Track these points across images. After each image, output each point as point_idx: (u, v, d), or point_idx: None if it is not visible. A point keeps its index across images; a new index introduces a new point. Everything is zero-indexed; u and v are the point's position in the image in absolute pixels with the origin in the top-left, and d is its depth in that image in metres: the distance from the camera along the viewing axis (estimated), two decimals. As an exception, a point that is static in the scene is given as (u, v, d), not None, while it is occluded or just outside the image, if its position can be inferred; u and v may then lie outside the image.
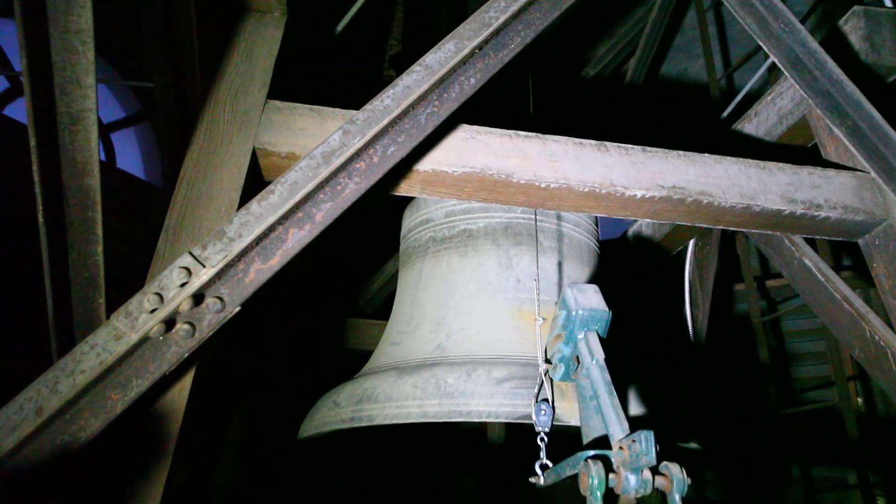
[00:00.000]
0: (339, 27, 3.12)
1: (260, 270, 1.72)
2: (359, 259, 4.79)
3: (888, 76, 2.70)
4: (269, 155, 2.23)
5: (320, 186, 1.80)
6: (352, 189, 1.84)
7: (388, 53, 8.45)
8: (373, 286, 4.87)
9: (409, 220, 3.33)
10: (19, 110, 6.64)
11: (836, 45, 2.76)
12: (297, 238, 1.77)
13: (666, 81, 7.17)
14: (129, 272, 2.63)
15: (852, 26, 2.72)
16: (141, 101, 7.40)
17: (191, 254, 1.66)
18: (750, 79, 4.85)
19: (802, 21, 4.53)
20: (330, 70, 4.38)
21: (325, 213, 1.81)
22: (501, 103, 3.23)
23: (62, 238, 1.73)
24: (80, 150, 1.56)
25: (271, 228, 1.74)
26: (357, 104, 2.04)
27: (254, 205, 1.76)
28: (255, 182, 2.27)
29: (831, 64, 2.33)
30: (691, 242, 3.87)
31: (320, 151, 1.85)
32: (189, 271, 1.64)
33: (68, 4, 1.38)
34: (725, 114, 4.28)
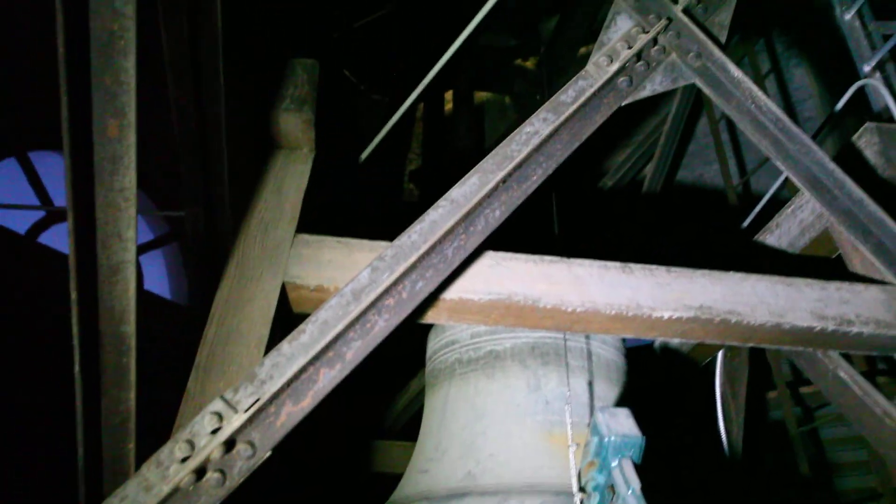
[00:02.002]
0: (363, 156, 3.22)
1: (291, 413, 1.72)
2: (383, 377, 4.75)
3: (907, 189, 2.73)
4: (299, 288, 2.26)
5: (351, 325, 1.82)
6: (381, 326, 1.85)
7: (408, 168, 8.72)
8: (398, 405, 4.80)
9: (435, 341, 3.33)
10: (52, 238, 6.86)
11: (852, 160, 2.80)
12: (328, 378, 1.77)
13: (683, 188, 7.28)
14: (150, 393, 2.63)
15: (866, 141, 2.77)
16: (169, 223, 7.61)
17: (222, 398, 1.66)
18: (767, 182, 4.90)
19: (816, 134, 4.64)
20: (353, 190, 4.51)
21: (355, 351, 1.81)
22: (526, 224, 3.29)
23: (95, 382, 1.74)
24: (118, 299, 1.60)
25: (303, 370, 1.74)
26: (380, 224, 2.08)
27: (285, 345, 1.77)
28: (285, 315, 2.30)
29: (850, 183, 2.36)
30: (720, 354, 3.81)
31: (350, 289, 1.88)
32: (220, 416, 1.63)
33: (114, 165, 1.45)
34: (746, 223, 4.31)
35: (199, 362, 2.03)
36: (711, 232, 4.81)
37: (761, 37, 7.29)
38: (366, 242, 2.35)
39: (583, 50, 8.11)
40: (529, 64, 8.94)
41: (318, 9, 7.80)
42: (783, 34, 7.39)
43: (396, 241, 2.00)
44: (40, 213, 6.98)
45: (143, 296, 6.03)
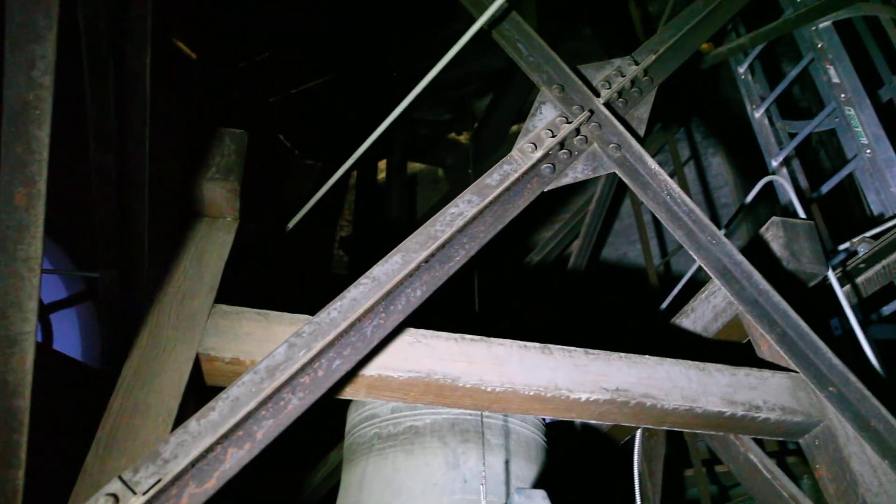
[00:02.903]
0: (290, 225, 3.20)
1: (194, 495, 1.64)
2: (299, 450, 4.62)
3: (809, 281, 2.88)
4: (214, 360, 2.19)
5: (263, 403, 1.77)
6: (295, 405, 1.81)
7: (338, 235, 8.70)
8: (315, 478, 4.66)
9: (354, 414, 3.27)
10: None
11: (760, 251, 2.95)
12: (235, 458, 1.71)
13: (608, 266, 7.48)
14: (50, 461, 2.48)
15: (773, 234, 2.93)
16: (85, 281, 7.33)
17: (121, 478, 1.58)
18: (687, 263, 5.08)
19: (730, 223, 4.87)
20: (281, 258, 4.46)
21: (266, 430, 1.76)
22: (449, 301, 3.31)
23: (-18, 459, 1.63)
24: (13, 372, 1.51)
25: (209, 449, 1.68)
26: (308, 292, 2.06)
27: (192, 423, 1.71)
28: (197, 388, 2.22)
29: (757, 275, 2.48)
30: (638, 432, 3.85)
31: (264, 365, 1.84)
32: (117, 498, 1.55)
33: (20, 234, 1.40)
34: (665, 304, 4.45)
35: (100, 437, 1.93)
36: (633, 312, 4.94)
37: (682, 126, 7.69)
38: (286, 315, 2.31)
39: (514, 127, 8.37)
40: (462, 138, 9.16)
41: (256, 75, 7.86)
42: (702, 124, 7.83)
43: (316, 318, 1.98)
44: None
45: (52, 356, 5.73)
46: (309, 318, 2.06)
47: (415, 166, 9.47)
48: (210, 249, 2.49)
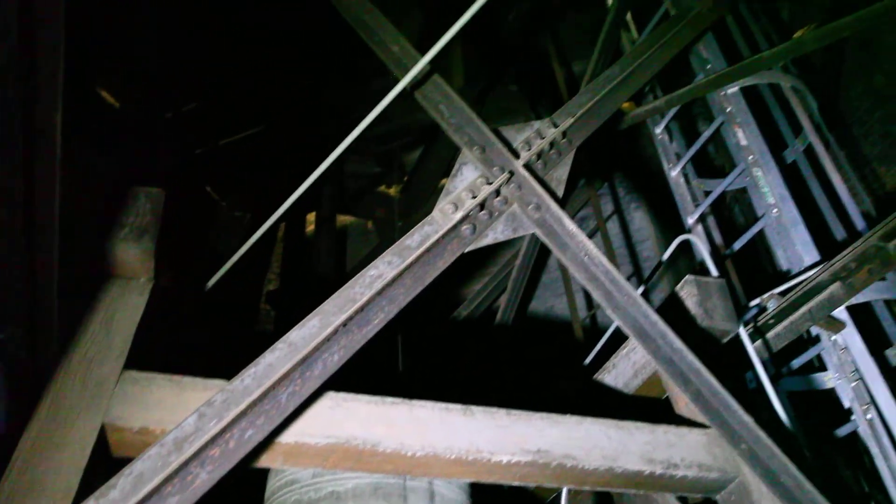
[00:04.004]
0: (210, 283, 3.12)
1: (90, 583, 1.55)
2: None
3: (722, 338, 2.97)
4: (121, 430, 2.09)
5: (169, 478, 1.70)
6: (203, 479, 1.74)
7: (266, 288, 8.54)
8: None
9: (274, 480, 3.16)
10: None
11: (676, 309, 3.03)
12: (136, 540, 1.62)
13: (535, 319, 7.55)
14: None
15: (687, 293, 3.02)
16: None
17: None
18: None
19: (649, 279, 5.00)
20: (200, 315, 4.33)
21: (171, 507, 1.68)
22: (372, 360, 3.27)
23: None
24: None
25: (108, 531, 1.59)
26: (229, 352, 2.00)
27: (90, 502, 1.62)
28: (103, 460, 2.11)
29: (671, 335, 2.54)
30: (564, 490, 3.85)
31: (172, 437, 1.77)
32: (4, 589, 1.44)
33: None
34: (588, 360, 4.51)
35: (-14, 521, 1.80)
36: (559, 366, 4.99)
37: (605, 181, 7.93)
38: (199, 381, 2.23)
39: (443, 181, 8.47)
40: (392, 191, 9.22)
41: (183, 125, 7.75)
42: (625, 180, 8.09)
43: (229, 385, 1.92)
44: None
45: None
46: (223, 385, 2.00)
47: (344, 219, 9.45)
48: (121, 312, 2.39)
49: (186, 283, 3.48)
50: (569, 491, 3.82)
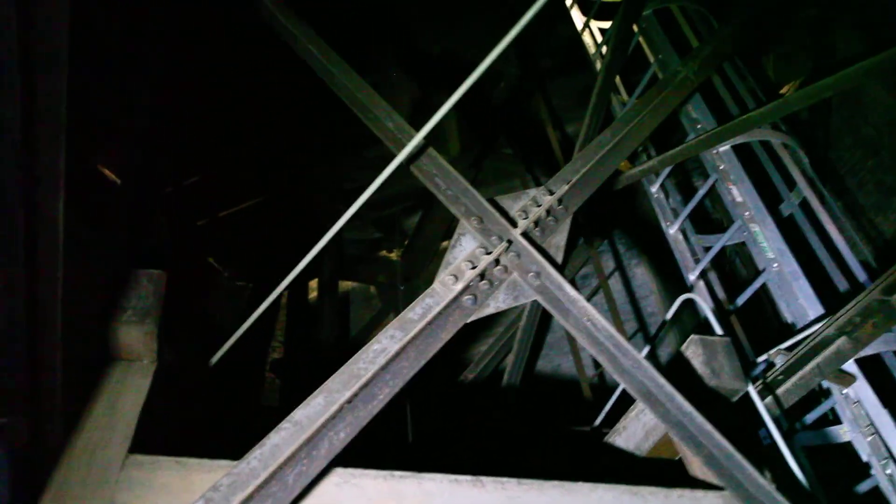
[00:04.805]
0: (214, 359, 3.12)
1: None
2: None
3: (731, 397, 2.93)
4: (126, 517, 2.07)
5: (175, 570, 1.66)
6: (210, 570, 1.70)
7: (270, 357, 8.50)
8: None
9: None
10: None
11: (682, 369, 3.01)
12: None
13: (542, 379, 7.49)
14: None
15: (693, 352, 3.00)
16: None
17: None
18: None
19: (654, 337, 4.98)
20: (204, 389, 4.30)
21: None
22: (378, 431, 3.24)
23: None
24: None
25: None
26: (236, 427, 1.97)
27: None
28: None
29: (679, 397, 2.51)
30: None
31: (178, 526, 1.74)
32: None
33: None
34: (598, 421, 4.46)
35: None
36: (568, 426, 4.93)
37: (605, 239, 7.97)
38: (205, 462, 2.21)
39: (444, 243, 8.52)
40: (393, 255, 9.26)
41: (184, 198, 7.84)
42: (624, 236, 8.13)
43: (235, 468, 1.90)
44: None
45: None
46: (229, 467, 1.98)
47: (346, 284, 9.47)
48: (125, 395, 2.38)
49: (189, 357, 3.47)
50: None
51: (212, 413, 4.67)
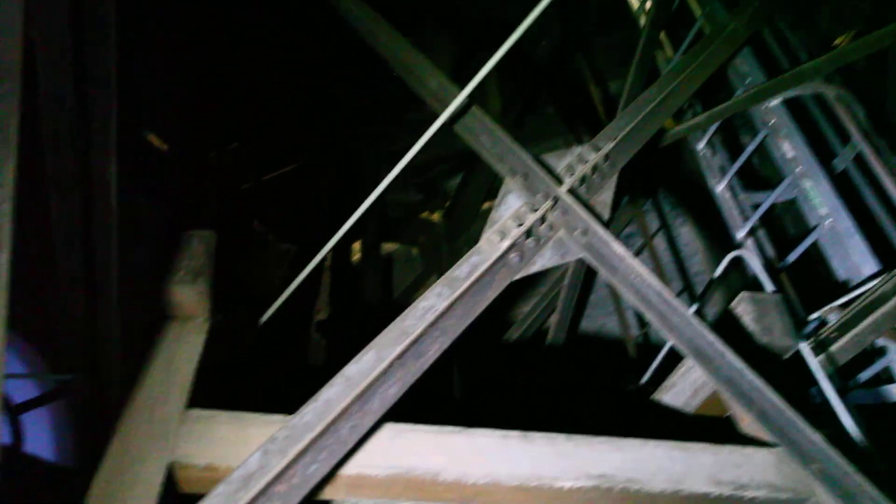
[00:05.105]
0: (263, 319, 3.18)
1: None
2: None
3: (783, 354, 2.89)
4: (188, 468, 2.14)
5: (237, 517, 1.72)
6: (271, 515, 1.76)
7: (315, 318, 8.63)
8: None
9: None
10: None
11: (732, 326, 2.97)
12: (209, 578, 1.65)
13: (587, 338, 7.47)
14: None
15: (743, 309, 2.96)
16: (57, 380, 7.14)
17: None
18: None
19: (702, 296, 4.91)
20: (256, 350, 4.40)
21: (241, 546, 1.71)
22: (427, 388, 3.28)
23: None
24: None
25: (181, 571, 1.62)
26: (285, 384, 2.03)
27: (163, 543, 1.65)
28: (171, 496, 2.15)
29: (730, 354, 2.49)
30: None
31: (239, 475, 1.80)
32: None
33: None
34: (644, 380, 4.44)
35: (67, 560, 1.86)
36: (615, 384, 4.93)
37: (649, 198, 7.85)
38: (260, 417, 2.27)
39: (485, 205, 8.49)
40: (435, 217, 9.27)
41: (227, 163, 7.93)
42: (669, 195, 7.99)
43: (290, 421, 1.95)
44: None
45: (21, 459, 5.54)
46: (284, 420, 2.03)
47: (389, 246, 9.53)
48: (180, 353, 2.45)
49: (239, 317, 3.55)
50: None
51: (261, 371, 4.79)
